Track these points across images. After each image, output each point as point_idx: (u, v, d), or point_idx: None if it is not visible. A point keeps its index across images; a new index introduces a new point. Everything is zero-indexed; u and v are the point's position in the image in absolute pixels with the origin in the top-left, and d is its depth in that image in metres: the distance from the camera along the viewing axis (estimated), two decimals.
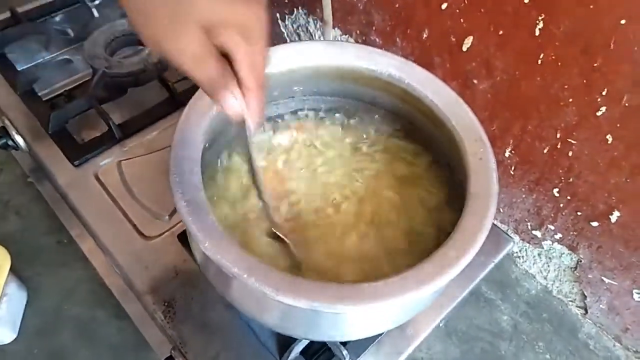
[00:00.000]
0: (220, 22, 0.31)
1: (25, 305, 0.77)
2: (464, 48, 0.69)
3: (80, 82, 0.80)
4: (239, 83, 0.34)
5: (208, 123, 0.47)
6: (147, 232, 0.61)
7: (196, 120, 0.46)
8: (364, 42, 0.84)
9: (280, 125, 0.58)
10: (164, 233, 0.61)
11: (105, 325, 0.77)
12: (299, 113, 0.59)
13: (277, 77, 0.52)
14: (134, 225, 0.62)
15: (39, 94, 0.75)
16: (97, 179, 0.66)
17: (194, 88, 0.75)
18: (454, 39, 0.69)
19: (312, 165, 0.55)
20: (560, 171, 0.68)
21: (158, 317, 0.55)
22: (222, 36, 0.31)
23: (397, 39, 0.77)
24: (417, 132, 0.55)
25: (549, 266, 0.80)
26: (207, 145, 0.50)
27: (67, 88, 0.78)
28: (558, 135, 0.65)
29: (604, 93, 0.58)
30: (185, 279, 0.57)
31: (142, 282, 0.57)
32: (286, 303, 0.36)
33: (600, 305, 0.76)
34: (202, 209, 0.40)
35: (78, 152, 0.67)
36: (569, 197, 0.69)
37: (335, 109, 0.59)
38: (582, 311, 0.80)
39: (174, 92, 0.73)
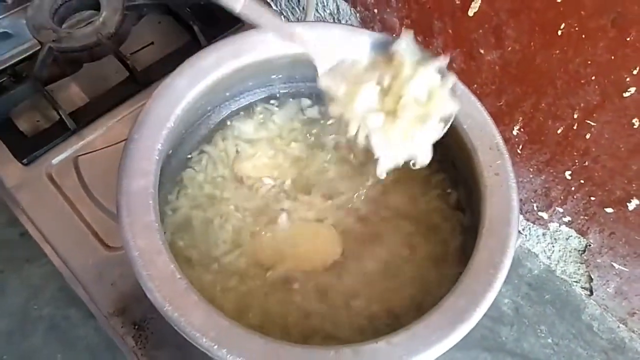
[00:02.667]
0: None
1: None
2: (470, 13, 0.59)
3: (28, 54, 0.69)
4: None
5: (166, 134, 0.38)
6: (111, 242, 0.54)
7: (149, 135, 0.37)
8: (353, 1, 0.73)
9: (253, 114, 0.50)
10: None
11: (80, 325, 0.71)
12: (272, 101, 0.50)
13: (250, 67, 0.43)
14: (96, 234, 0.54)
15: None
16: (51, 179, 0.57)
17: (155, 65, 0.66)
18: (458, 2, 0.60)
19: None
20: (575, 153, 0.61)
21: (128, 342, 0.49)
22: None
23: None
24: None
25: (553, 247, 0.75)
26: (170, 152, 0.42)
27: (10, 63, 0.67)
28: (575, 116, 0.58)
29: (634, 72, 0.50)
30: None
31: (108, 301, 0.51)
32: None
33: (607, 289, 0.72)
34: (160, 257, 0.32)
35: (26, 148, 0.58)
36: (582, 181, 0.63)
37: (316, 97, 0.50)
38: (587, 292, 0.76)
39: (134, 71, 0.62)
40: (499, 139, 0.39)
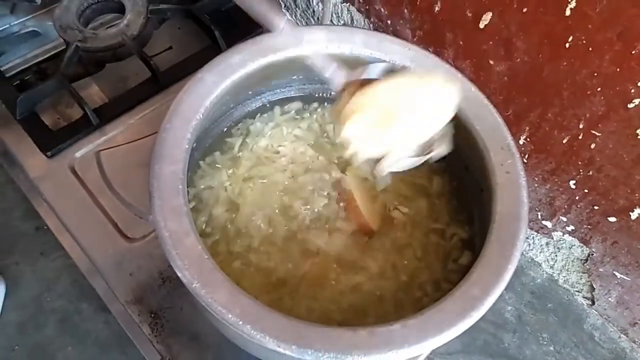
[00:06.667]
0: None
1: (4, 297, 0.72)
2: (481, 25, 0.61)
3: (52, 53, 0.72)
4: None
5: (195, 125, 0.40)
6: (130, 233, 0.56)
7: (181, 124, 0.39)
8: (367, 12, 0.76)
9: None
10: (149, 234, 0.55)
11: (91, 319, 0.73)
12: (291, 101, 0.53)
13: (273, 66, 0.46)
14: (116, 225, 0.56)
15: (3, 70, 0.67)
16: (73, 171, 0.59)
17: (177, 67, 0.69)
18: (470, 14, 0.62)
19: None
20: (580, 163, 0.63)
21: (144, 329, 0.51)
22: None
23: (405, 11, 0.69)
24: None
25: (556, 256, 0.77)
26: (194, 145, 0.44)
27: (36, 61, 0.70)
28: (581, 126, 0.60)
29: (639, 84, 0.51)
30: (173, 287, 0.52)
31: (126, 290, 0.52)
32: (288, 355, 0.31)
33: (609, 299, 0.73)
34: (189, 238, 0.34)
35: (51, 141, 0.60)
36: (586, 190, 0.65)
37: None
38: (589, 302, 0.77)
39: (156, 71, 0.65)
40: (510, 139, 0.41)
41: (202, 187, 0.47)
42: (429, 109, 0.36)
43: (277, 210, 0.46)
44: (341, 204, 0.45)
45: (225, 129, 0.50)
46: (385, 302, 0.42)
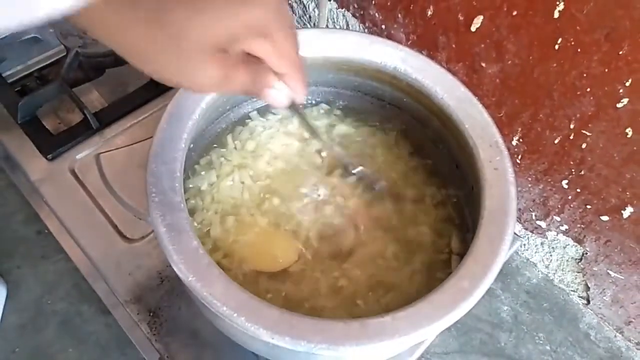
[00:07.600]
0: (231, 37, 0.28)
1: (5, 300, 0.73)
2: (473, 28, 0.63)
3: (53, 59, 0.73)
4: (275, 73, 0.32)
5: (191, 125, 0.42)
6: (129, 234, 0.57)
7: (177, 125, 0.40)
8: (362, 17, 0.77)
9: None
10: (147, 235, 0.56)
11: (91, 321, 0.73)
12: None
13: None
14: (115, 227, 0.57)
15: (5, 76, 0.68)
16: (74, 174, 0.60)
17: None
18: (462, 18, 0.63)
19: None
20: (571, 163, 0.64)
21: (143, 328, 0.51)
22: (239, 45, 0.29)
23: (399, 15, 0.71)
24: (421, 130, 0.50)
25: (551, 255, 0.77)
26: (191, 146, 0.45)
27: (37, 67, 0.71)
28: (572, 126, 0.61)
29: (627, 83, 0.53)
30: (172, 286, 0.53)
31: (125, 290, 0.53)
32: (282, 346, 0.32)
33: (604, 297, 0.74)
34: (185, 234, 0.35)
35: (51, 145, 0.61)
36: (578, 190, 0.66)
37: (328, 101, 0.54)
38: (584, 301, 0.77)
39: None
40: (498, 137, 0.42)
41: (192, 186, 0.48)
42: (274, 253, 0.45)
43: (268, 203, 0.47)
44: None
45: (220, 131, 0.51)
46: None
